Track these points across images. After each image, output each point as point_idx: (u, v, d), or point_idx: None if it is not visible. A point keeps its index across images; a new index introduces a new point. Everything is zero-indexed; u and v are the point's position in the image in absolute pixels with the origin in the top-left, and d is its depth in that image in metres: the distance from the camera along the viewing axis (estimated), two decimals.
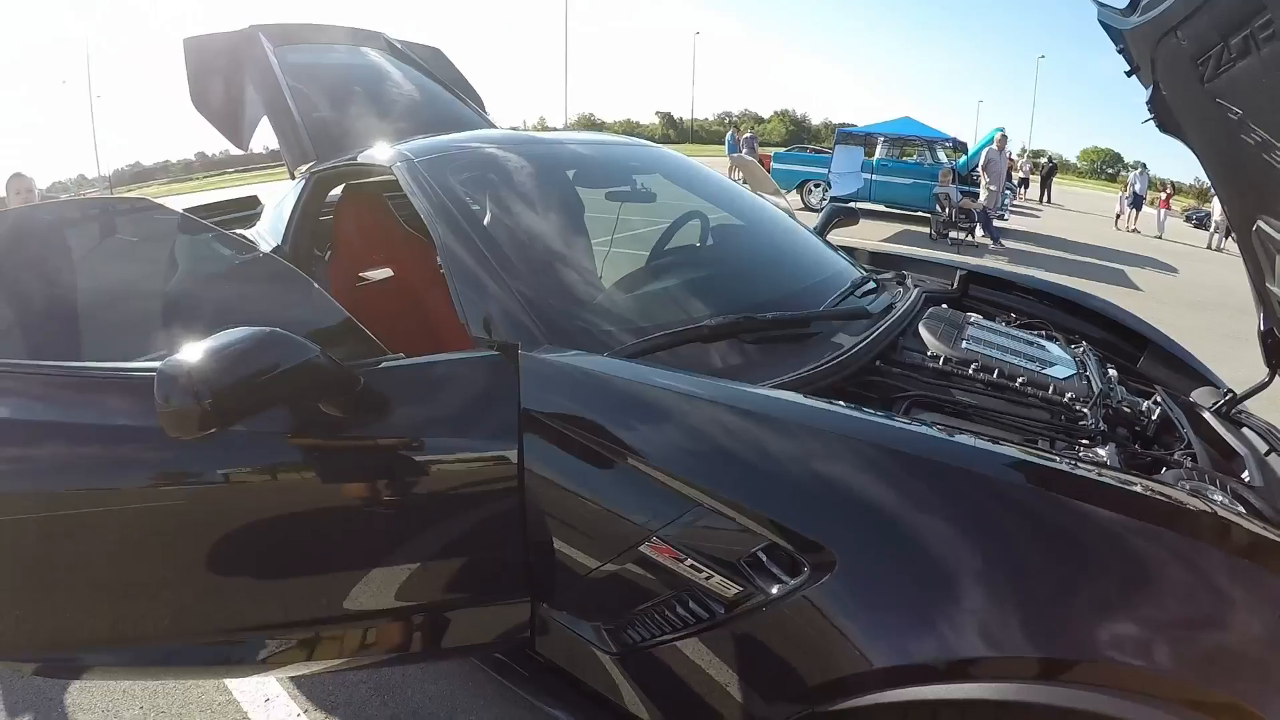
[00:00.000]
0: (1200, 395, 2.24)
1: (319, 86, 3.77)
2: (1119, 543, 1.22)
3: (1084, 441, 1.76)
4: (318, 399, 1.53)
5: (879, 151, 16.77)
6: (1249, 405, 2.13)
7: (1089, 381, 2.03)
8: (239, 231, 3.18)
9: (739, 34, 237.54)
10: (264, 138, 3.97)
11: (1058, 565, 1.21)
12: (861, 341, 1.96)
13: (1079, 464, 1.42)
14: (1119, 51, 2.02)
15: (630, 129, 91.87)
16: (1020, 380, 1.95)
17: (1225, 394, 2.19)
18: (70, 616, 1.84)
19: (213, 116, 3.92)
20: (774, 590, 1.31)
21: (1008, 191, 18.09)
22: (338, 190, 3.32)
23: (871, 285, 2.56)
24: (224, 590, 1.78)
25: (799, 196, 16.92)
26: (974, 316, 2.43)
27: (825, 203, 16.25)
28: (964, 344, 2.10)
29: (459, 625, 1.77)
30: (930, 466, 1.31)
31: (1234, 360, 6.70)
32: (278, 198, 3.39)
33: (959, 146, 16.65)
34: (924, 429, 1.44)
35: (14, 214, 2.77)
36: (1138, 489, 1.33)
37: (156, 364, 1.36)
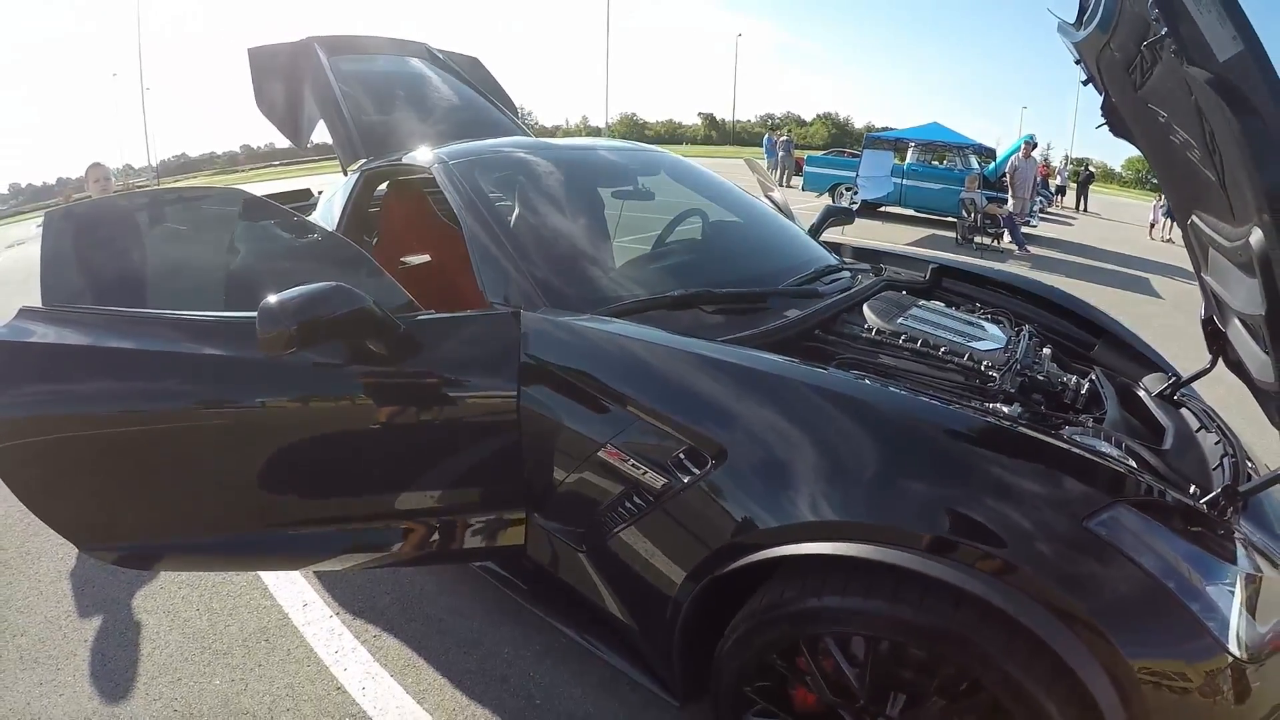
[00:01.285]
0: (1151, 380, 2.58)
1: (368, 92, 4.25)
2: (947, 449, 1.69)
3: (989, 400, 2.13)
4: (367, 338, 2.04)
5: (910, 157, 16.95)
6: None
7: (1011, 355, 2.38)
8: None
9: (784, 38, 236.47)
10: (315, 135, 4.53)
11: (893, 460, 1.68)
12: (804, 314, 2.40)
13: (935, 398, 1.90)
14: (1075, 63, 2.38)
15: (673, 129, 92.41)
16: (942, 350, 2.33)
17: (1171, 379, 2.55)
18: (152, 514, 2.34)
19: (274, 118, 4.45)
20: (685, 479, 1.82)
21: (1040, 199, 18.18)
22: (383, 186, 3.83)
23: (838, 272, 3.00)
24: (281, 494, 2.29)
25: (830, 199, 17.19)
26: (921, 301, 2.82)
27: (854, 205, 16.64)
28: (900, 321, 2.50)
29: (470, 531, 2.26)
30: (797, 387, 1.81)
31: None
32: (330, 191, 3.87)
33: (984, 152, 16.75)
34: (797, 363, 1.94)
35: (151, 194, 3.22)
36: (979, 416, 1.80)
37: (252, 313, 1.88)
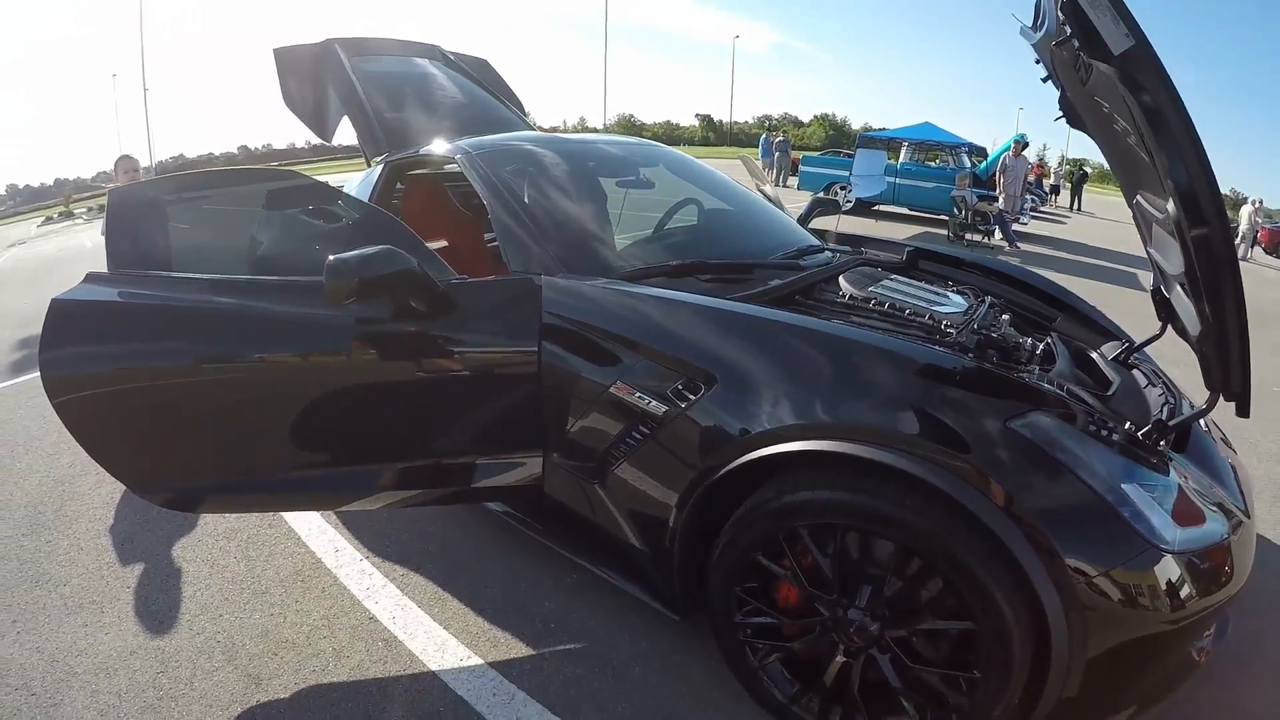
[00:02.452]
0: (1108, 347, 2.90)
1: (387, 91, 4.54)
2: (896, 368, 2.04)
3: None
4: (411, 296, 2.34)
5: (903, 156, 17.27)
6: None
7: (970, 318, 2.67)
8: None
9: (781, 39, 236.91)
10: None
11: (850, 378, 2.05)
12: (785, 282, 2.71)
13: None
14: (1036, 62, 2.65)
15: (670, 131, 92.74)
16: (907, 311, 2.62)
17: (1125, 344, 2.89)
18: (200, 459, 2.60)
19: (301, 114, 4.74)
20: (683, 405, 2.15)
21: (1032, 197, 18.41)
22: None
23: (820, 252, 3.32)
24: (322, 439, 2.57)
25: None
26: (894, 275, 3.12)
27: (848, 203, 16.85)
28: (871, 289, 2.80)
29: (494, 470, 2.55)
30: (769, 324, 2.19)
31: None
32: (353, 183, 4.13)
33: (976, 151, 17.01)
34: (771, 308, 2.32)
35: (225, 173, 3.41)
36: (925, 346, 2.21)
37: (303, 277, 2.21)
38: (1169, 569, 1.84)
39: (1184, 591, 1.87)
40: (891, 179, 16.40)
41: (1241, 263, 16.89)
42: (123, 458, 2.58)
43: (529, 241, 2.67)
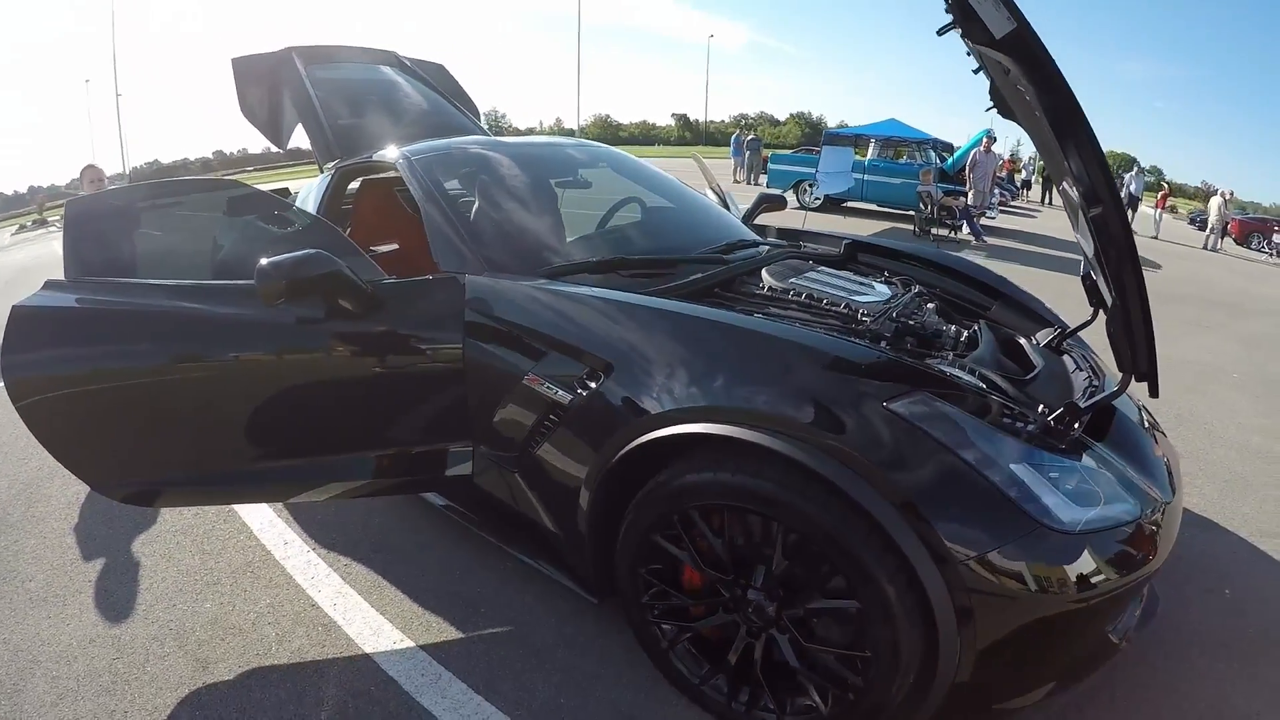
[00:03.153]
0: (1043, 333, 2.97)
1: (342, 97, 4.64)
2: (778, 354, 2.12)
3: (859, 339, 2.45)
4: (340, 296, 2.47)
5: (871, 153, 17.41)
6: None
7: (889, 307, 2.75)
8: None
9: (757, 38, 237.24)
10: (294, 138, 4.93)
11: (733, 363, 2.15)
12: (705, 275, 2.84)
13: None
14: (967, 54, 2.66)
15: (646, 130, 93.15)
16: (824, 302, 2.75)
17: (1057, 330, 2.97)
18: (156, 455, 2.72)
19: (256, 122, 4.84)
20: (584, 393, 2.29)
21: (1001, 192, 18.62)
22: (355, 183, 4.25)
23: (753, 246, 3.45)
24: (266, 433, 2.69)
25: (794, 195, 17.65)
26: (821, 267, 3.24)
27: (815, 200, 17.11)
28: (793, 280, 2.92)
29: (427, 462, 2.69)
30: (660, 314, 2.31)
31: (1182, 341, 7.58)
32: (306, 189, 4.28)
33: (940, 147, 17.22)
34: (665, 299, 2.44)
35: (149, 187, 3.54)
36: (806, 330, 2.32)
37: (246, 280, 2.37)
38: (1065, 550, 1.85)
39: (1085, 573, 1.87)
40: (860, 176, 16.56)
41: (1211, 253, 17.22)
42: (83, 456, 2.69)
43: (457, 242, 2.80)
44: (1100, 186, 2.07)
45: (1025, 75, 2.00)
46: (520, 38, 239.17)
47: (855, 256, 3.73)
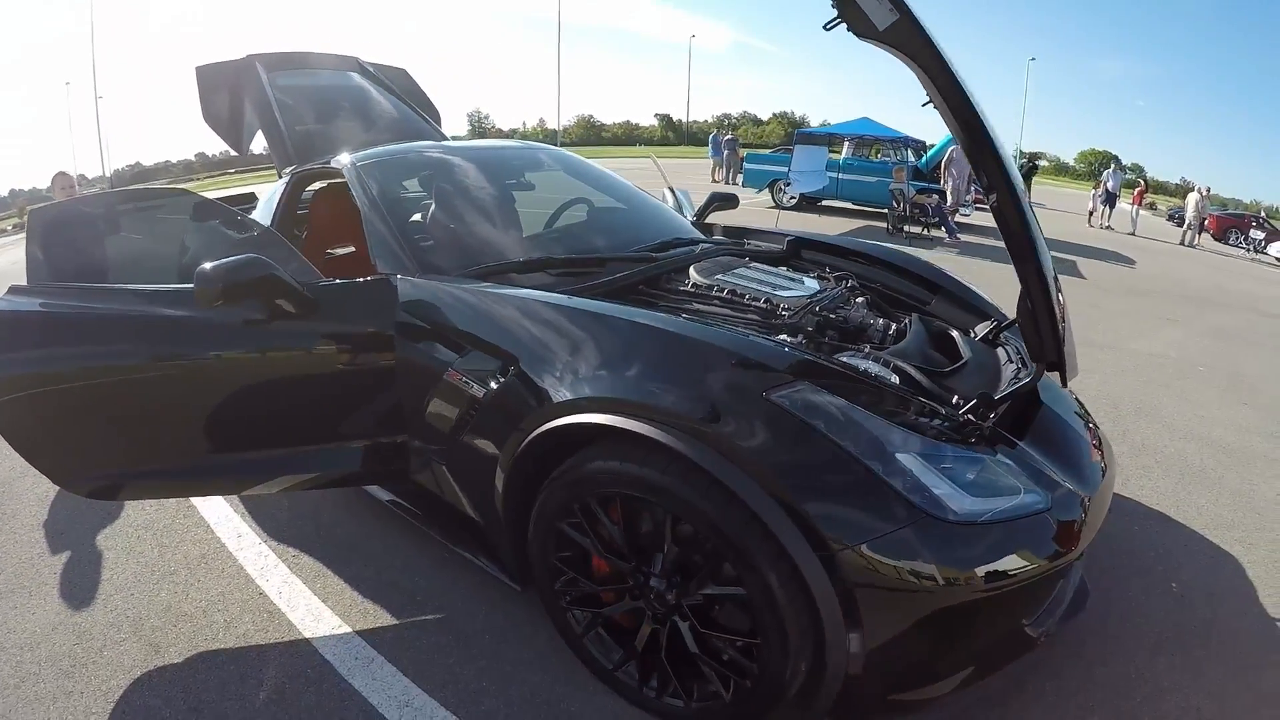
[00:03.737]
0: (980, 327, 3.04)
1: (303, 103, 4.75)
2: (666, 345, 2.21)
3: (776, 333, 2.58)
4: (278, 298, 2.58)
5: (845, 152, 17.53)
6: None
7: (813, 301, 2.82)
8: None
9: (741, 38, 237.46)
10: (261, 144, 5.03)
11: (625, 355, 2.23)
12: (630, 272, 2.96)
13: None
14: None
15: (630, 131, 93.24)
16: (746, 297, 2.83)
17: (993, 323, 3.02)
18: (115, 451, 2.84)
19: (219, 129, 4.95)
20: (495, 386, 2.40)
21: (976, 189, 18.73)
22: (312, 187, 4.39)
23: (689, 245, 3.55)
24: (216, 429, 2.81)
25: (770, 194, 17.82)
26: (752, 263, 3.32)
27: (790, 200, 17.25)
28: (719, 276, 3.01)
29: (368, 455, 2.80)
30: (561, 310, 2.43)
31: (1150, 335, 7.84)
32: (266, 193, 4.41)
33: (912, 145, 17.36)
34: (566, 296, 2.54)
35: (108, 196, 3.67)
36: (692, 321, 2.42)
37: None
38: (959, 541, 1.85)
39: (984, 565, 1.86)
40: (835, 174, 16.72)
41: (1189, 249, 17.37)
42: (47, 454, 2.80)
43: (393, 245, 2.94)
44: (993, 176, 2.11)
45: (914, 66, 2.05)
46: (505, 39, 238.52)
47: (799, 253, 3.82)
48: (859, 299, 3.09)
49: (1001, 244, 2.28)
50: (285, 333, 2.68)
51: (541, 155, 4.48)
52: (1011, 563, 1.91)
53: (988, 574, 1.87)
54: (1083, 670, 2.58)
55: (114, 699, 2.44)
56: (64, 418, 2.77)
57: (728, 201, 4.74)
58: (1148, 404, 5.55)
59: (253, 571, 3.09)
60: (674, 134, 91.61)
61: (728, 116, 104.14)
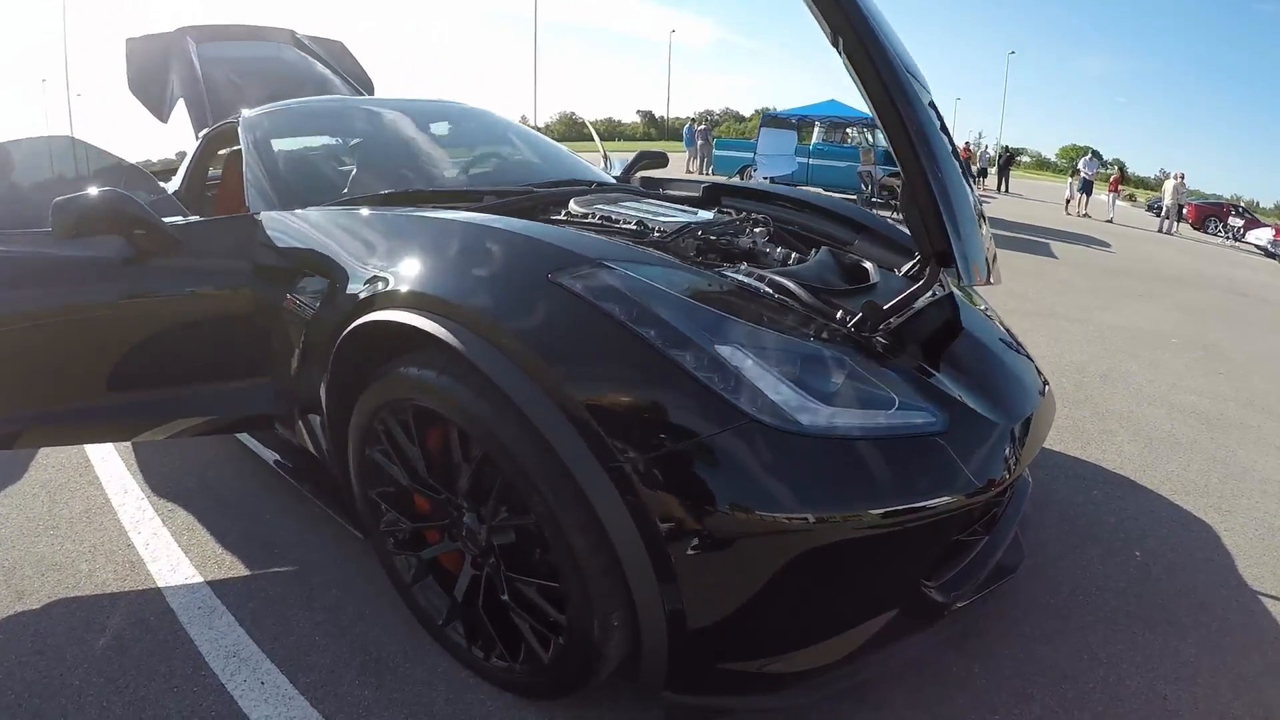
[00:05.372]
0: (907, 265, 2.62)
1: (229, 73, 4.77)
2: (451, 241, 2.11)
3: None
4: (137, 231, 2.46)
5: (816, 136, 17.57)
6: None
7: (688, 225, 2.57)
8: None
9: (723, 34, 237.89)
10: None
11: (434, 252, 2.08)
12: (501, 203, 2.86)
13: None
14: None
15: (612, 127, 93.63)
16: (620, 222, 2.65)
17: (915, 260, 2.56)
18: (3, 399, 2.74)
19: (143, 98, 4.96)
20: (318, 305, 2.31)
21: None
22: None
23: (584, 186, 3.37)
24: (100, 372, 2.67)
25: (740, 179, 17.67)
26: (641, 199, 3.19)
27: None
28: (598, 206, 2.82)
29: (235, 397, 2.71)
30: (391, 218, 2.37)
31: (1123, 308, 7.93)
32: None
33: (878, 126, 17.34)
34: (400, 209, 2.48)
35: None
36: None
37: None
38: (800, 455, 1.51)
39: (843, 491, 1.52)
40: (804, 160, 16.77)
41: (1167, 236, 17.54)
42: None
43: (265, 183, 2.93)
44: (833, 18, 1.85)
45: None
46: (487, 35, 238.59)
47: (718, 200, 3.55)
48: (758, 230, 2.82)
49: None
50: (151, 271, 2.58)
51: (442, 108, 4.40)
52: (889, 496, 1.54)
53: (845, 508, 1.51)
54: (1022, 649, 2.26)
55: None
56: None
57: (656, 159, 4.48)
58: (1115, 370, 5.42)
59: (127, 524, 3.06)
60: (655, 130, 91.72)
61: (709, 113, 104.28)
